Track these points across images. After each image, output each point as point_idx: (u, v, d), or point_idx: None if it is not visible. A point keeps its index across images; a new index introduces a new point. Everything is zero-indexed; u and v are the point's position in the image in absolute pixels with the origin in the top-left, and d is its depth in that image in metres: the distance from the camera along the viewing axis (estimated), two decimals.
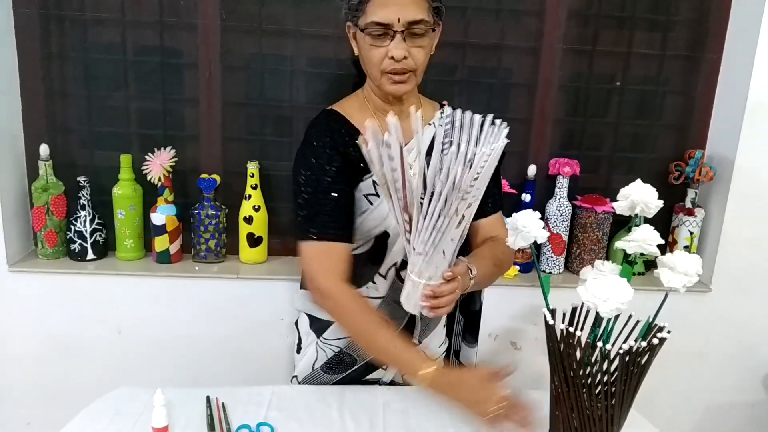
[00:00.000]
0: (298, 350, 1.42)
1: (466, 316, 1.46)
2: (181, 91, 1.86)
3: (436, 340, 1.39)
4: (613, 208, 1.85)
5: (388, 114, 1.01)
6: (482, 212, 1.31)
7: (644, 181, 1.89)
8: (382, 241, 1.25)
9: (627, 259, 1.04)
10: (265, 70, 1.86)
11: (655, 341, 0.93)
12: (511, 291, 1.89)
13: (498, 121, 1.05)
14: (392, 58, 1.14)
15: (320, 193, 1.19)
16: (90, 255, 1.84)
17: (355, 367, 1.34)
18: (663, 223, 2.00)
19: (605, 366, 0.93)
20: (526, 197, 1.89)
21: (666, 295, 0.98)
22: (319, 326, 1.37)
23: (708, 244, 1.96)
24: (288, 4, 1.80)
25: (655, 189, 1.03)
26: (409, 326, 1.32)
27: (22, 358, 1.85)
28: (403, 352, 1.13)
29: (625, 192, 1.04)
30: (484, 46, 1.88)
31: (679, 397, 2.03)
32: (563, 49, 1.89)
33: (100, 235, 1.85)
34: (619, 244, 1.01)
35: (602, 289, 0.90)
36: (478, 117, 1.04)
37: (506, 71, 1.92)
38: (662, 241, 1.00)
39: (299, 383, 1.39)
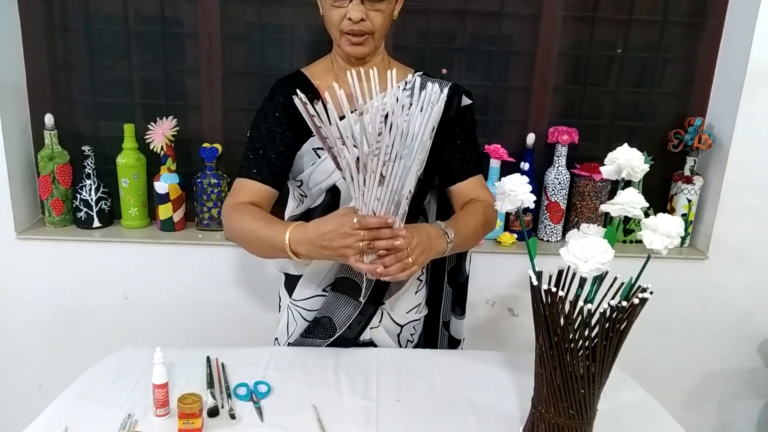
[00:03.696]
0: (279, 308, 1.48)
1: (454, 287, 1.49)
2: (183, 61, 1.88)
3: (405, 305, 1.40)
4: None
5: (347, 73, 1.08)
6: (459, 176, 1.35)
7: (642, 149, 1.90)
8: (334, 196, 1.30)
9: (611, 223, 1.05)
10: (265, 39, 1.87)
11: (636, 301, 0.95)
12: (507, 258, 1.92)
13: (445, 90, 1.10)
14: (350, 19, 1.20)
15: (259, 138, 1.27)
16: (96, 223, 1.88)
17: (340, 332, 1.35)
18: (662, 190, 2.01)
19: (587, 326, 0.96)
20: (525, 165, 1.90)
21: (648, 256, 1.00)
22: (290, 285, 1.41)
23: (706, 212, 1.96)
24: None
25: (644, 153, 1.05)
26: (377, 288, 1.33)
27: (31, 323, 1.91)
28: (270, 231, 1.17)
29: (611, 156, 1.05)
30: (484, 13, 1.87)
31: (675, 363, 2.06)
32: (563, 16, 1.88)
33: (106, 204, 1.89)
34: (603, 207, 1.02)
35: (583, 249, 0.92)
36: (436, 86, 1.06)
37: (506, 39, 1.91)
38: (646, 204, 1.01)
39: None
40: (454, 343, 1.52)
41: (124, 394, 1.13)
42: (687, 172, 1.93)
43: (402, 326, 1.41)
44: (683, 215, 1.93)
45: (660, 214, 1.01)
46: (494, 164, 1.89)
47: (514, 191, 1.03)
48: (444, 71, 1.90)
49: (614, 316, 0.94)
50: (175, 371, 1.20)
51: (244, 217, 1.21)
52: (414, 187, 1.08)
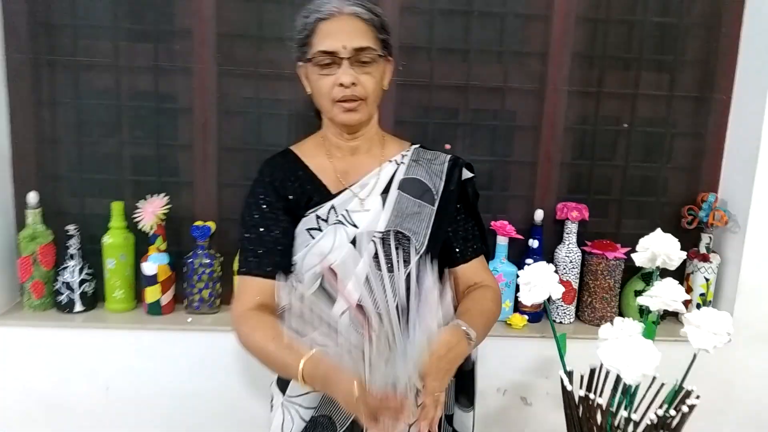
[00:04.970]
0: (272, 407, 1.34)
1: (458, 376, 1.34)
2: (176, 137, 1.81)
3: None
4: (626, 255, 1.78)
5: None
6: (463, 257, 1.27)
7: (656, 226, 1.83)
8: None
9: (648, 316, 0.95)
10: (262, 114, 1.81)
11: (685, 409, 0.84)
12: (519, 342, 1.80)
13: None
14: (341, 85, 1.15)
15: (253, 228, 1.20)
16: (78, 307, 1.76)
17: (340, 429, 1.21)
18: (677, 269, 1.92)
19: None
20: (534, 243, 1.81)
21: (694, 356, 0.90)
22: (282, 382, 1.28)
23: (725, 292, 1.87)
24: (284, 48, 1.75)
25: (673, 237, 0.97)
26: None
27: (5, 415, 1.75)
28: (282, 358, 1.08)
29: (644, 243, 0.97)
30: (486, 88, 1.83)
31: None
32: (568, 91, 1.84)
33: (89, 286, 1.77)
34: (641, 300, 0.92)
35: (626, 352, 0.82)
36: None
37: (510, 114, 1.87)
38: (688, 297, 0.92)
39: None
40: None
41: None
42: (703, 250, 1.84)
43: (410, 425, 1.27)
44: (701, 295, 1.83)
45: (704, 309, 0.91)
46: (501, 241, 1.80)
47: (541, 282, 0.94)
48: (447, 146, 1.84)
49: (664, 427, 0.83)
50: None
51: (254, 334, 1.13)
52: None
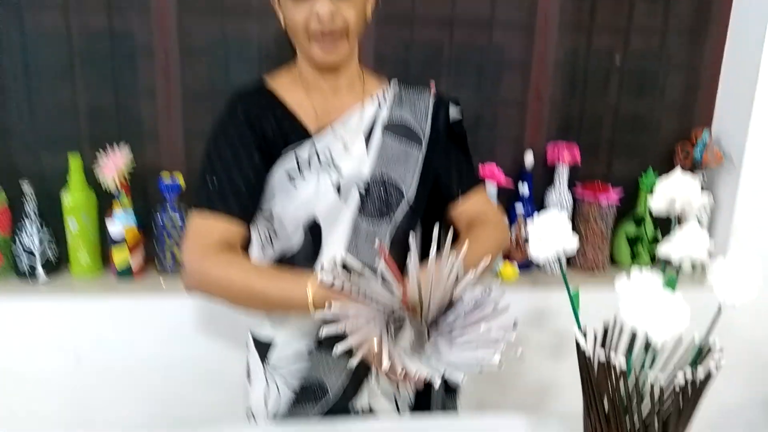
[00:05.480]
0: (248, 376, 1.24)
1: None
2: (135, 82, 1.65)
3: None
4: (617, 198, 1.72)
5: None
6: (461, 192, 1.20)
7: (647, 166, 1.75)
8: (314, 235, 1.09)
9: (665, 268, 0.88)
10: (230, 54, 1.65)
11: (714, 368, 0.77)
12: (510, 293, 1.73)
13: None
14: (318, 16, 1.01)
15: (221, 165, 1.05)
16: (41, 274, 1.62)
17: (335, 401, 1.15)
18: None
19: (659, 401, 0.78)
20: (524, 189, 1.73)
21: (719, 310, 0.83)
22: (262, 349, 1.19)
23: (718, 233, 1.82)
24: None
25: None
26: None
27: None
28: (277, 289, 0.96)
29: (662, 188, 0.88)
30: (473, 21, 1.70)
31: None
32: (559, 24, 1.72)
33: (51, 251, 1.64)
34: (662, 250, 0.85)
35: (653, 310, 0.74)
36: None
37: (498, 49, 1.74)
38: (711, 245, 0.85)
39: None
40: (450, 391, 1.32)
41: None
42: None
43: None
44: None
45: (732, 257, 0.84)
46: (490, 188, 1.71)
47: (553, 236, 0.85)
48: (432, 83, 1.72)
49: (693, 388, 0.76)
50: None
51: (228, 270, 0.98)
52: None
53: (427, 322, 0.91)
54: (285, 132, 1.08)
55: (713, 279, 0.83)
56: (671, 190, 0.89)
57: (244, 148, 1.05)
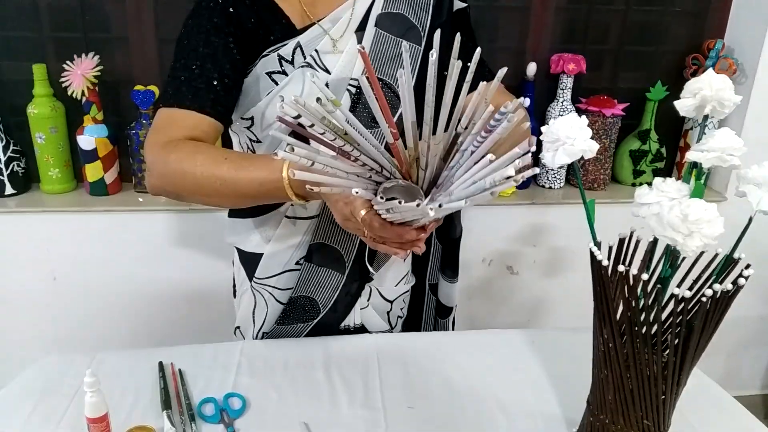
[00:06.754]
0: (234, 293, 1.18)
1: (444, 242, 1.21)
2: None
3: (393, 276, 1.14)
4: (623, 112, 1.62)
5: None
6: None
7: (655, 79, 1.65)
8: (302, 140, 0.98)
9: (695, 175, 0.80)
10: None
11: (742, 282, 0.71)
12: (507, 210, 1.67)
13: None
14: None
15: (192, 54, 0.92)
16: (9, 189, 1.54)
17: (324, 313, 1.10)
18: (674, 124, 1.78)
19: (681, 315, 0.71)
20: (525, 101, 1.62)
21: (750, 220, 0.76)
22: (247, 263, 1.11)
23: None
24: None
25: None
26: (362, 252, 1.07)
27: None
28: (246, 172, 0.84)
29: (693, 86, 0.79)
30: None
31: None
32: None
33: (19, 165, 1.53)
34: (691, 155, 0.76)
35: (685, 219, 0.66)
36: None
37: None
38: (746, 149, 0.76)
39: (257, 338, 1.15)
40: (443, 312, 1.27)
41: (49, 427, 0.85)
42: None
43: (392, 302, 1.16)
44: None
45: (766, 163, 0.76)
46: None
47: (571, 138, 0.76)
48: None
49: (719, 303, 0.70)
50: (116, 387, 0.92)
51: (194, 158, 0.85)
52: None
53: (423, 183, 0.73)
54: (266, 24, 0.96)
55: (746, 186, 0.76)
56: (703, 89, 0.80)
57: (218, 36, 0.92)
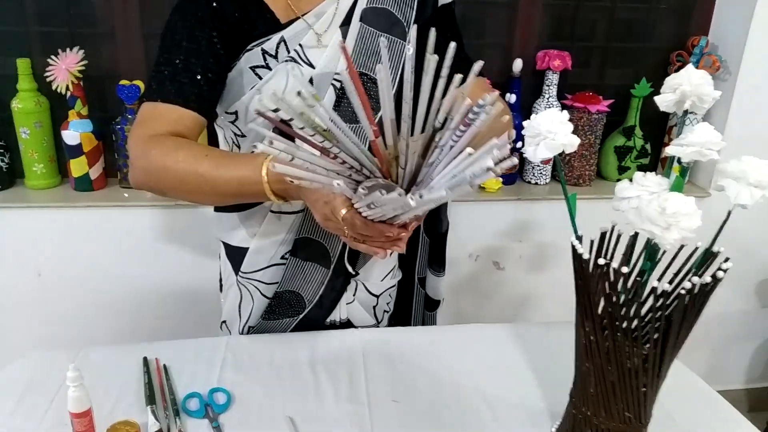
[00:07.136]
0: (221, 287, 1.18)
1: (432, 236, 1.22)
2: None
3: (379, 271, 1.15)
4: (609, 108, 1.64)
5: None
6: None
7: (641, 75, 1.66)
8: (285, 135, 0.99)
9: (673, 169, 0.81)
10: None
11: (721, 274, 0.72)
12: (491, 206, 1.68)
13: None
14: None
15: (175, 48, 0.92)
16: None
17: (309, 307, 1.10)
18: (659, 121, 1.80)
19: (663, 308, 0.72)
20: (512, 97, 1.63)
21: (728, 213, 0.77)
22: (234, 257, 1.11)
23: None
24: None
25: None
26: (346, 251, 1.07)
27: None
28: (227, 170, 0.84)
29: (673, 82, 0.79)
30: None
31: None
32: None
33: (3, 160, 1.52)
34: (671, 150, 0.77)
35: (663, 212, 0.67)
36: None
37: None
38: (724, 144, 0.77)
39: (242, 333, 1.15)
40: (431, 305, 1.29)
41: (32, 423, 0.84)
42: None
43: (378, 296, 1.17)
44: None
45: (745, 158, 0.77)
46: None
47: (553, 133, 0.76)
48: None
49: (698, 296, 0.71)
50: (100, 382, 0.92)
51: (176, 154, 0.85)
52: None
53: (403, 181, 0.71)
54: (250, 18, 0.96)
55: (724, 180, 0.77)
56: (683, 84, 0.81)
57: (202, 30, 0.92)
